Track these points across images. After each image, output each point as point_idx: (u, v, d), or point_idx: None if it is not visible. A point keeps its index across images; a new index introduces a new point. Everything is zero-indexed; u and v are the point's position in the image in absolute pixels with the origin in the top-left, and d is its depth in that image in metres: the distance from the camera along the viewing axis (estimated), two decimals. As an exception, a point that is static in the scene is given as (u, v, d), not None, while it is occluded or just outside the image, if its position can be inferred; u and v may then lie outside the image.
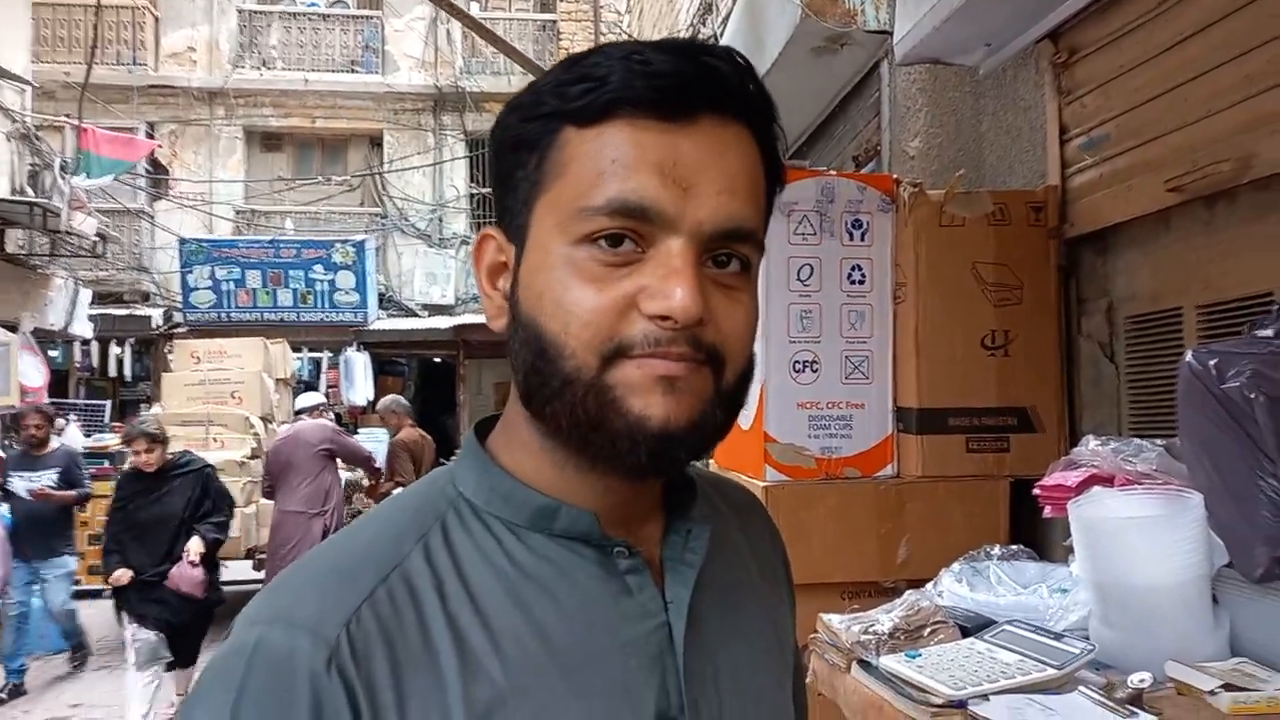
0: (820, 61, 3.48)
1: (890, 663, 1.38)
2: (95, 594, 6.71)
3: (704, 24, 5.78)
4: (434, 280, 13.82)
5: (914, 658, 1.37)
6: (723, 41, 4.08)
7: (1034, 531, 2.07)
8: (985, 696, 1.23)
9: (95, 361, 12.31)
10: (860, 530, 2.09)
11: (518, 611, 0.59)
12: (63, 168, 8.88)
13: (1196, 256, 1.91)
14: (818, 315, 2.14)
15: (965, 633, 1.48)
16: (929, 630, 1.46)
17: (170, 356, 9.04)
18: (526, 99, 0.62)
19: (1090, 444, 1.63)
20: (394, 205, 14.07)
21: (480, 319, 12.56)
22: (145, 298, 13.31)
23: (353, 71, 14.29)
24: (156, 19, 14.02)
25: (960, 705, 1.24)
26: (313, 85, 14.03)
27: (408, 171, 13.93)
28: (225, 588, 5.25)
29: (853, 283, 2.16)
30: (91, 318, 11.18)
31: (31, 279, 9.68)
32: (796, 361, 2.13)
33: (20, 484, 5.86)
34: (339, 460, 6.43)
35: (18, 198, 8.45)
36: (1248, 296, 1.77)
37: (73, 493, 6.00)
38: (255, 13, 14.31)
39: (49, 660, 6.39)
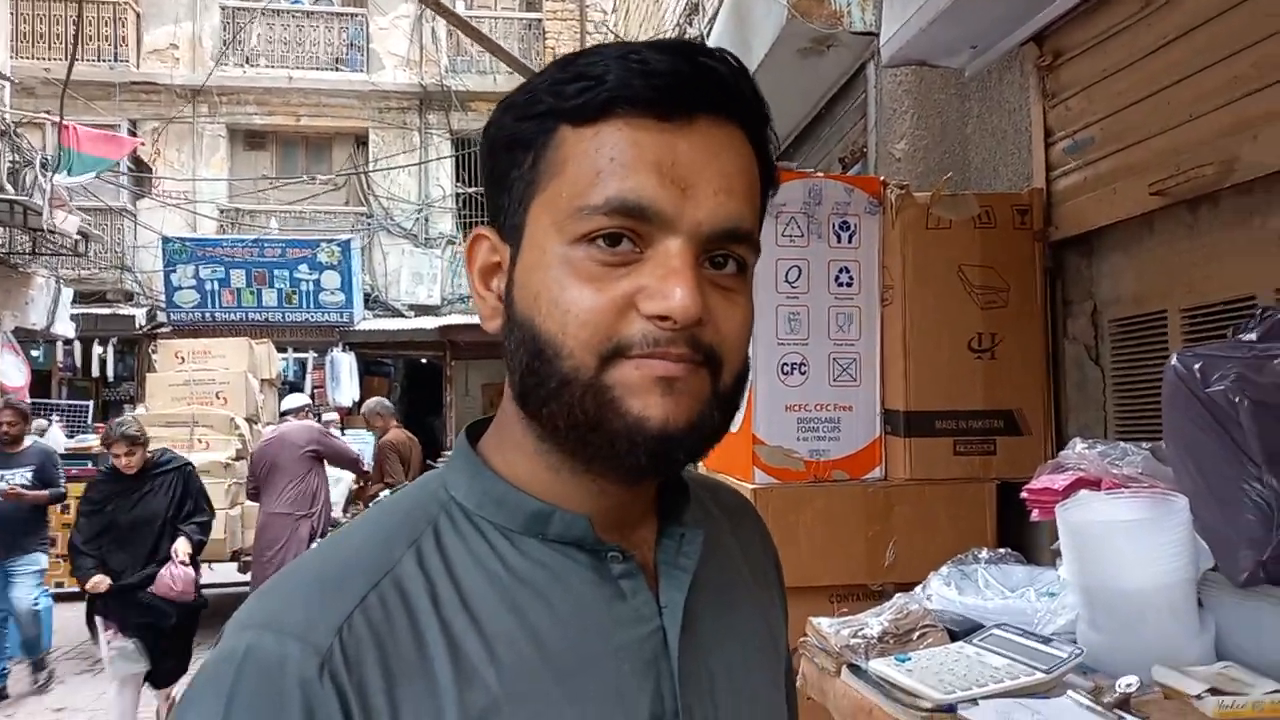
0: (806, 63, 3.49)
1: (880, 667, 1.39)
2: (78, 596, 6.63)
3: (690, 24, 5.78)
4: (420, 280, 13.77)
5: (904, 661, 1.37)
6: (709, 42, 4.08)
7: (1020, 534, 2.08)
8: (974, 701, 1.24)
9: (78, 361, 12.20)
10: (848, 533, 2.09)
11: (512, 617, 0.58)
12: (44, 165, 8.78)
13: (1180, 260, 1.92)
14: (805, 317, 2.14)
15: (954, 636, 1.48)
16: (918, 634, 1.47)
17: (154, 356, 8.98)
18: (521, 98, 0.61)
19: (1077, 447, 1.64)
20: (379, 204, 14.01)
21: (466, 319, 12.61)
22: (128, 297, 13.20)
23: (337, 69, 14.22)
24: (138, 15, 13.91)
25: (950, 709, 1.24)
26: (297, 83, 13.95)
27: (393, 170, 13.87)
28: (210, 590, 5.17)
29: (840, 285, 2.16)
30: (74, 317, 11.09)
31: (13, 278, 9.58)
32: (785, 364, 2.13)
33: None
34: (326, 462, 6.40)
35: (-2, 195, 8.36)
36: (1231, 300, 1.79)
37: (45, 493, 5.83)
38: (239, 9, 14.21)
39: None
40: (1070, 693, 1.24)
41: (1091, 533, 1.41)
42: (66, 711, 5.63)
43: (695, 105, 0.58)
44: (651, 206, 0.56)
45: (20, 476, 5.79)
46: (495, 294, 0.63)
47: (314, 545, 5.60)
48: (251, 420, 7.75)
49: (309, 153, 14.75)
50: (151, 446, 4.77)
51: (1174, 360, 1.35)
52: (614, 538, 0.63)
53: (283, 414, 7.41)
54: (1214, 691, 1.16)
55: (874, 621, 1.52)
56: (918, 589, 1.73)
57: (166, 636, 4.57)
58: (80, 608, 5.97)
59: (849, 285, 2.17)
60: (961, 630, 1.49)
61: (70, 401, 12.30)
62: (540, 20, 14.40)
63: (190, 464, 4.91)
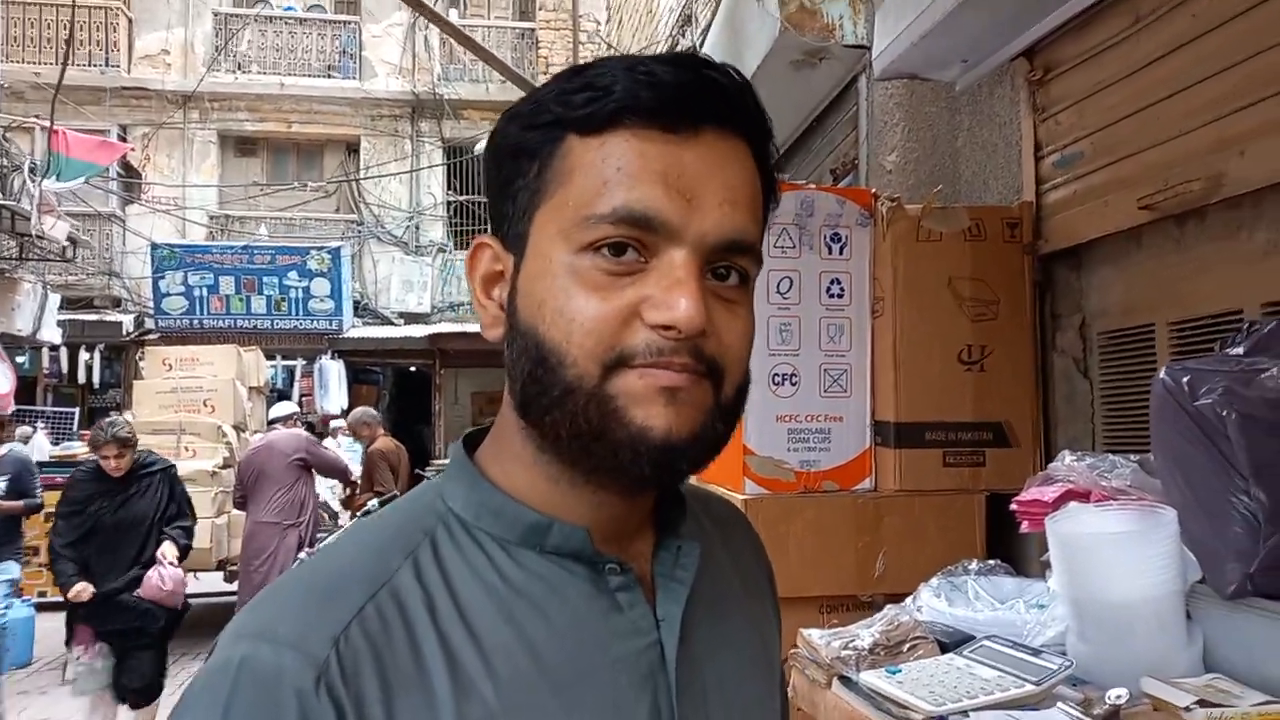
0: (799, 75, 3.51)
1: (871, 678, 1.39)
2: (61, 606, 6.54)
3: (683, 35, 5.80)
4: (410, 288, 13.74)
5: (894, 673, 1.38)
6: (701, 54, 4.09)
7: (1009, 546, 2.09)
8: (965, 713, 1.24)
9: (64, 368, 12.11)
10: (838, 544, 2.09)
11: (509, 629, 0.58)
12: (32, 170, 8.74)
13: (1168, 273, 1.94)
14: (797, 328, 2.15)
15: (944, 648, 1.49)
16: (909, 645, 1.47)
17: (141, 363, 8.91)
18: (527, 108, 0.62)
19: (1066, 459, 1.64)
20: (370, 212, 13.99)
21: (456, 328, 12.58)
22: (116, 303, 13.11)
23: (329, 77, 14.21)
24: (130, 20, 13.87)
25: (940, 721, 1.24)
26: (289, 90, 13.92)
27: (384, 178, 13.85)
28: (193, 599, 5.12)
29: (832, 296, 2.17)
30: (60, 323, 10.99)
31: (-1, 283, 9.51)
32: (775, 374, 2.14)
33: None
34: (314, 470, 6.36)
35: (-15, 200, 8.31)
36: (1218, 313, 1.80)
37: (19, 503, 5.71)
38: (231, 15, 14.19)
39: (11, 674, 6.24)
40: (1060, 704, 1.25)
41: (1080, 545, 1.42)
42: (48, 722, 5.56)
43: (701, 117, 0.58)
44: (658, 217, 0.57)
45: None
46: (497, 303, 0.64)
47: (303, 555, 5.58)
48: (239, 428, 7.70)
49: (300, 160, 14.72)
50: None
51: (1162, 374, 1.36)
52: (611, 549, 0.63)
53: (271, 422, 7.36)
54: (1202, 703, 1.17)
55: (865, 633, 1.53)
56: (908, 600, 1.73)
57: (148, 643, 4.44)
58: (63, 617, 5.85)
59: (840, 296, 2.18)
60: (952, 642, 1.49)
61: (56, 409, 12.22)
62: (533, 29, 14.44)
63: (174, 466, 4.83)
